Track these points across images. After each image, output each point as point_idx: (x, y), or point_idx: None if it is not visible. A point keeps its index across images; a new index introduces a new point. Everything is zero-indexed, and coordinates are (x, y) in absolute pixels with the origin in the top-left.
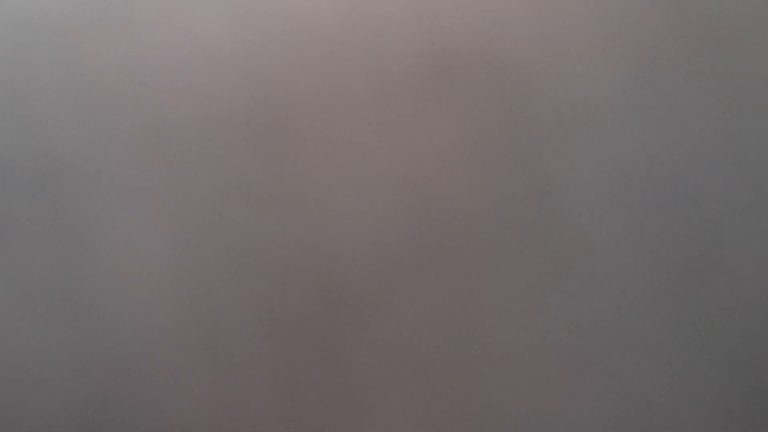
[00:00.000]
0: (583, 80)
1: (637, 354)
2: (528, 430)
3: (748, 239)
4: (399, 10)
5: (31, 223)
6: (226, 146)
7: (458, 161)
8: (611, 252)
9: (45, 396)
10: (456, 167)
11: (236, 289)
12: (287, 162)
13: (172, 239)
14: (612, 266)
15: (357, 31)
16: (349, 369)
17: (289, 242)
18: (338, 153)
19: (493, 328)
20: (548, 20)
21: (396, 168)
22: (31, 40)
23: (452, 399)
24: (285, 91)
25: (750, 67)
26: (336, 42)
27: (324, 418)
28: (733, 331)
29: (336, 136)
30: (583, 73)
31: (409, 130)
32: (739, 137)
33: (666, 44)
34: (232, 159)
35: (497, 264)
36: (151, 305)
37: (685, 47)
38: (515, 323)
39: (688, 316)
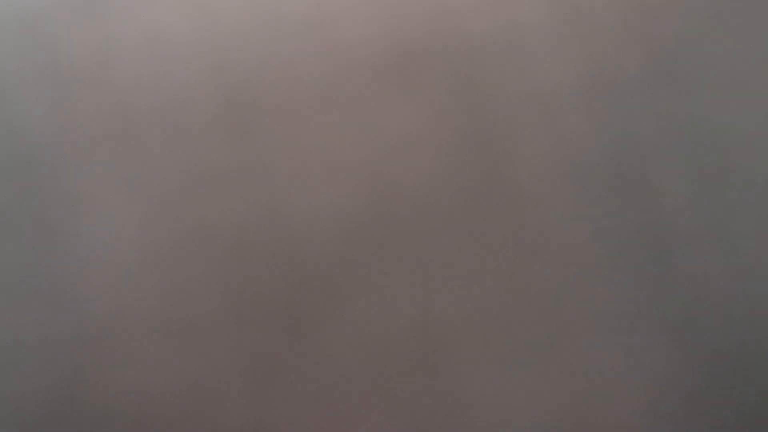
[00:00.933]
0: (540, 66)
1: (594, 332)
2: (491, 408)
3: (697, 218)
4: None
5: (1, 207)
6: (193, 131)
7: (418, 144)
8: (568, 232)
9: (18, 377)
10: (416, 150)
11: (205, 270)
12: (252, 146)
13: (141, 221)
14: (569, 247)
15: (318, 20)
16: (317, 347)
17: (256, 223)
18: (302, 137)
19: (456, 305)
20: (505, 8)
21: (358, 151)
22: (0, 27)
23: (418, 376)
24: (249, 78)
25: (702, 56)
26: (298, 30)
27: (293, 396)
28: (687, 309)
29: (299, 121)
30: (540, 59)
31: (370, 115)
32: (691, 123)
33: (620, 30)
34: (198, 143)
35: (458, 242)
36: (120, 286)
37: (639, 34)
38: (475, 301)
39: (644, 295)
